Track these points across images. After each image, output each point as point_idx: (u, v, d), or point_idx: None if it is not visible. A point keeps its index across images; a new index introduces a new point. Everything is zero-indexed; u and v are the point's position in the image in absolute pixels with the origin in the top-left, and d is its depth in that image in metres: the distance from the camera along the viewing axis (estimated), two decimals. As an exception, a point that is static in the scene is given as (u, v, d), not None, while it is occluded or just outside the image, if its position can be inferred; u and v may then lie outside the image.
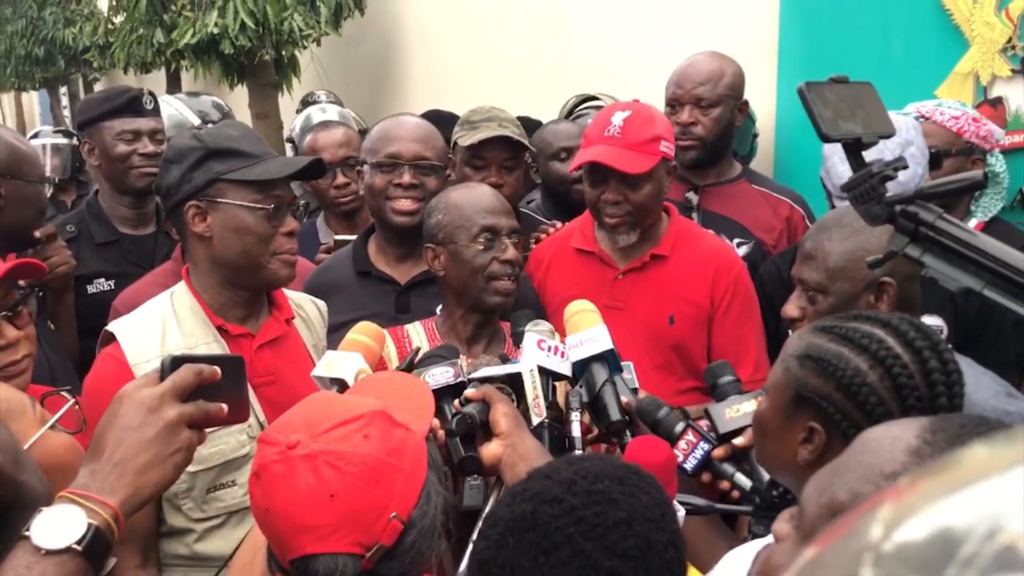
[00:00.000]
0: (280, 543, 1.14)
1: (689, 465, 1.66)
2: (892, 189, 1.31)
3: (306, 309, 2.12)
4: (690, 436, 1.68)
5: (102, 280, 2.96)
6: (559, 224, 2.70)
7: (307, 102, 5.10)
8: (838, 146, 1.87)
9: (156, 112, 3.11)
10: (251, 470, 1.18)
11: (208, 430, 1.25)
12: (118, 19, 8.06)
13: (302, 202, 3.39)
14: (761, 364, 2.28)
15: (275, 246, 1.89)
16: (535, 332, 1.80)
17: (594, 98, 3.75)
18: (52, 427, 1.32)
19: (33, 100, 17.84)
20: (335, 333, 2.03)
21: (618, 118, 2.28)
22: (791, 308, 1.86)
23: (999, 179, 2.61)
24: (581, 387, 1.72)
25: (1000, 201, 2.62)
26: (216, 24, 6.61)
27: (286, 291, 2.07)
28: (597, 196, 2.30)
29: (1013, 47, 2.88)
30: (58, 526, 1.03)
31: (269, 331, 1.97)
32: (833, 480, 0.93)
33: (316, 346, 2.06)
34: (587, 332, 1.74)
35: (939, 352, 1.31)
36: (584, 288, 2.20)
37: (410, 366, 1.75)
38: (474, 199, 2.10)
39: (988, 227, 2.52)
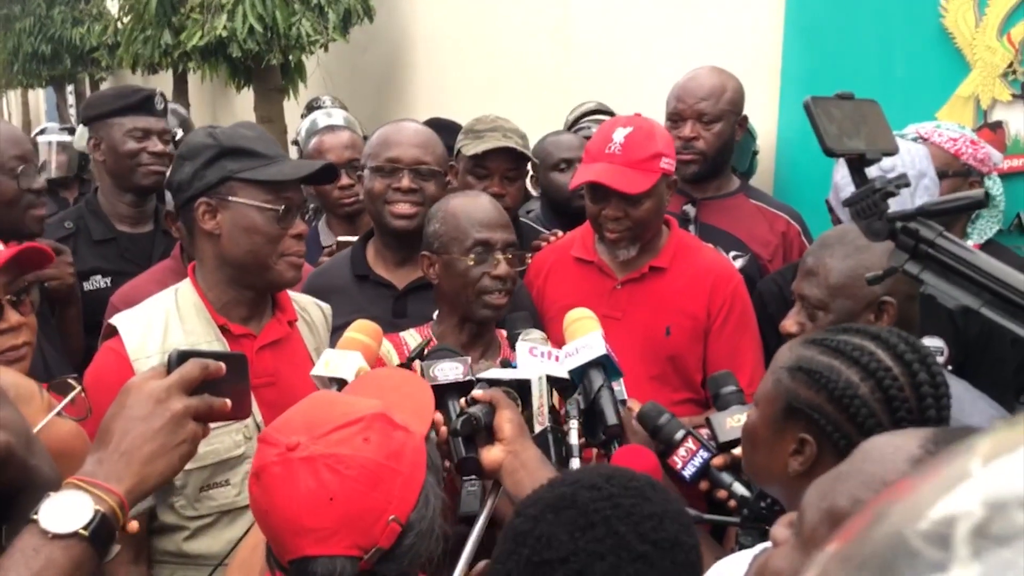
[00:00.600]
0: (279, 544, 1.16)
1: (688, 472, 1.67)
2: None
3: (310, 312, 2.12)
4: (690, 444, 1.69)
5: (99, 277, 2.97)
6: (559, 233, 2.72)
7: (312, 107, 5.12)
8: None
9: (165, 113, 3.14)
10: (251, 469, 1.19)
11: (211, 425, 1.27)
12: (127, 19, 8.08)
13: (311, 206, 3.41)
14: (756, 377, 2.28)
15: (283, 247, 1.89)
16: (527, 341, 1.81)
17: (597, 111, 3.78)
18: (58, 414, 1.33)
19: (39, 98, 17.89)
20: (332, 336, 2.04)
21: (619, 135, 2.30)
22: (790, 323, 1.87)
23: (995, 202, 2.63)
24: (579, 395, 1.73)
25: (996, 224, 2.64)
26: (225, 27, 6.65)
27: (291, 293, 2.08)
28: (598, 211, 2.32)
29: (1014, 72, 2.90)
30: (65, 511, 1.05)
31: (271, 332, 1.98)
32: (835, 486, 0.94)
33: (318, 349, 2.06)
34: (583, 339, 1.75)
35: (928, 365, 1.33)
36: (582, 297, 2.22)
37: (420, 355, 1.76)
38: (471, 211, 2.11)
39: (983, 249, 2.52)
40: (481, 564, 1.35)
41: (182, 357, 1.21)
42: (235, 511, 1.87)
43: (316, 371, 1.71)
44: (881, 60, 3.29)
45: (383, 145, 2.43)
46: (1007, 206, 2.69)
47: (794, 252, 2.85)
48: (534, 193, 3.29)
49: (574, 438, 1.66)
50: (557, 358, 1.76)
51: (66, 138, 5.15)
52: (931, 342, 2.24)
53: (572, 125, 3.77)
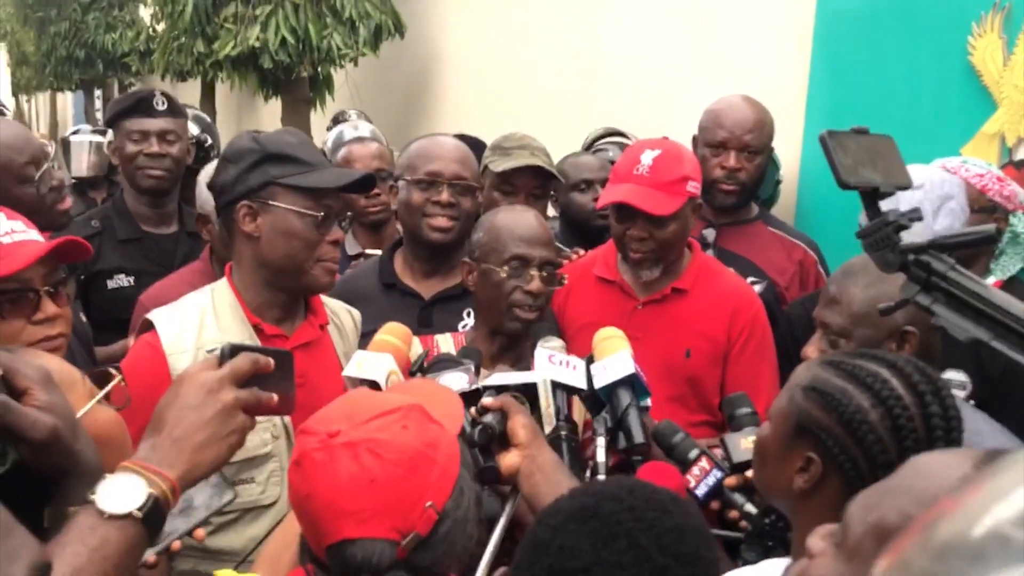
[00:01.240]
0: (318, 529, 1.18)
1: (700, 492, 1.68)
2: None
3: (341, 317, 2.16)
4: (703, 463, 1.70)
5: (122, 276, 3.02)
6: (581, 251, 2.74)
7: (338, 120, 5.19)
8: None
9: (171, 113, 3.14)
10: (292, 458, 1.22)
11: (258, 418, 1.30)
12: (160, 26, 8.22)
13: (348, 214, 3.45)
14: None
15: (319, 253, 1.93)
16: (546, 348, 1.83)
17: (617, 133, 3.80)
18: (99, 402, 1.36)
19: (67, 101, 18.13)
20: (361, 342, 2.07)
21: (647, 157, 2.31)
22: (811, 350, 1.88)
23: (1020, 239, 2.63)
24: (606, 413, 1.74)
25: (1020, 261, 2.64)
26: (258, 38, 6.75)
27: (323, 298, 2.12)
28: (623, 232, 2.34)
29: (1040, 111, 2.92)
30: (120, 493, 1.09)
31: (303, 335, 2.02)
32: (882, 500, 0.95)
33: (347, 354, 2.08)
34: (611, 357, 1.77)
35: (941, 397, 1.33)
36: (603, 316, 2.23)
37: (420, 369, 1.78)
38: (513, 225, 2.13)
39: (1006, 286, 2.54)
40: (500, 571, 1.36)
41: (234, 351, 1.25)
42: (258, 509, 1.90)
43: (348, 371, 1.74)
44: (908, 95, 3.31)
45: (423, 158, 2.46)
46: (1031, 244, 2.69)
47: (810, 280, 2.87)
48: (553, 212, 3.32)
49: (601, 455, 1.66)
50: (575, 367, 1.78)
51: (99, 139, 5.23)
52: (954, 375, 2.25)
53: (590, 146, 3.80)
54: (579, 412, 1.91)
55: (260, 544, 1.80)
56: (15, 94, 18.65)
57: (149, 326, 1.95)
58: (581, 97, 5.22)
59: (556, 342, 1.92)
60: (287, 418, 1.91)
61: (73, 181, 4.96)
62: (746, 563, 1.55)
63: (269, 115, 8.52)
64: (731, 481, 1.69)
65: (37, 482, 1.22)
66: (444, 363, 1.78)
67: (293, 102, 7.63)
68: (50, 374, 1.22)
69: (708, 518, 1.68)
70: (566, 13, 5.41)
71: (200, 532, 1.40)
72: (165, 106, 3.12)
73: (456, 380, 1.70)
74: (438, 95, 6.93)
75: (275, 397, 1.27)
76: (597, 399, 1.78)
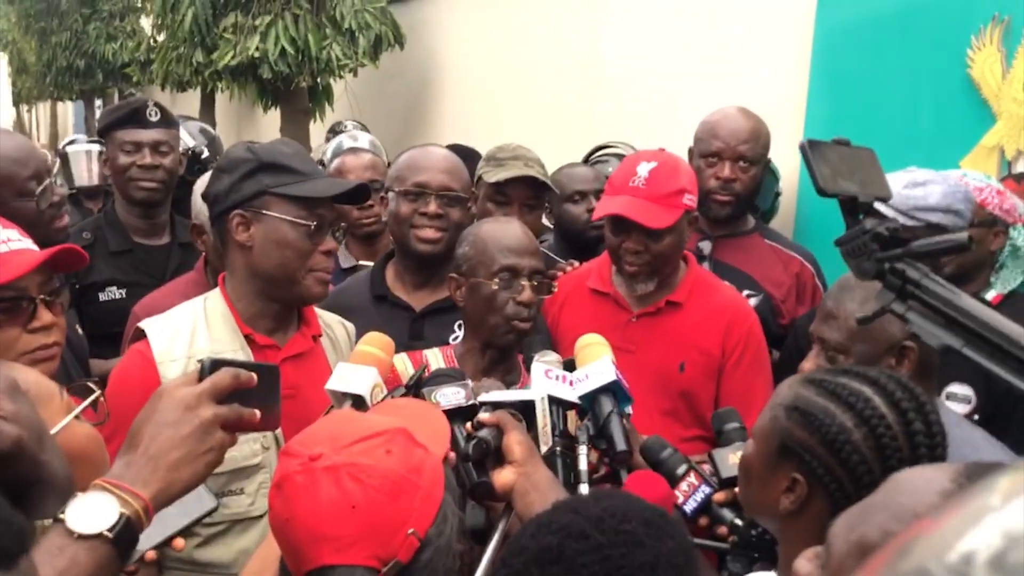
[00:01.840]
0: (298, 554, 1.15)
1: (689, 508, 1.66)
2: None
3: (335, 330, 2.15)
4: (692, 479, 1.68)
5: (114, 288, 2.99)
6: (575, 263, 2.72)
7: (335, 131, 5.18)
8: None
9: (164, 124, 3.11)
10: (273, 481, 1.19)
11: (240, 435, 1.28)
12: (161, 37, 8.23)
13: (343, 225, 3.43)
14: (768, 419, 2.27)
15: (312, 263, 1.93)
16: (543, 362, 1.81)
17: (611, 145, 3.79)
18: (76, 417, 1.34)
19: (68, 111, 18.19)
20: None
21: (643, 169, 2.30)
22: (809, 365, 1.85)
23: (1020, 253, 2.61)
24: (588, 421, 1.72)
25: (1021, 275, 2.61)
26: (257, 48, 6.75)
27: (317, 310, 2.10)
28: (618, 244, 2.32)
29: (1040, 124, 2.90)
30: (91, 512, 1.07)
31: (295, 346, 2.01)
32: (863, 519, 0.94)
33: None
34: (593, 365, 1.75)
35: (924, 413, 1.32)
36: (597, 328, 2.18)
37: (418, 382, 1.76)
38: (500, 236, 2.11)
39: (1006, 299, 2.51)
40: None
41: (215, 365, 1.22)
42: (247, 520, 1.88)
43: (331, 385, 1.71)
44: (906, 108, 3.29)
45: (411, 169, 2.44)
46: (1032, 257, 2.67)
47: (807, 293, 2.85)
48: (548, 224, 3.30)
49: (583, 464, 1.64)
50: (571, 382, 1.75)
51: (98, 147, 5.21)
52: (959, 389, 2.23)
53: (587, 158, 3.78)
54: (573, 422, 1.89)
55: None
56: (16, 104, 18.70)
57: (141, 335, 1.94)
58: (581, 107, 5.21)
59: (552, 356, 1.90)
60: (279, 429, 1.87)
61: (71, 192, 4.94)
62: (732, 575, 1.55)
63: (268, 126, 8.52)
64: (720, 496, 1.67)
65: (3, 493, 1.20)
66: (441, 377, 1.76)
67: (292, 112, 7.64)
68: (16, 384, 1.20)
69: (696, 533, 1.66)
70: (566, 23, 5.41)
71: (179, 542, 1.36)
72: (158, 117, 3.10)
73: (453, 395, 1.68)
74: (438, 105, 6.92)
75: (258, 413, 1.24)
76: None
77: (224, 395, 1.21)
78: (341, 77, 7.27)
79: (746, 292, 2.72)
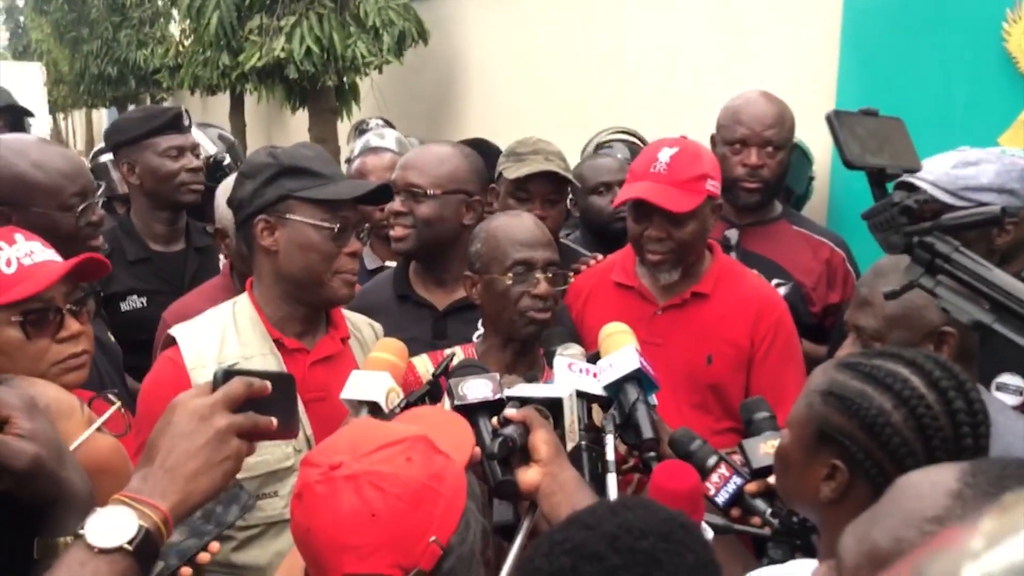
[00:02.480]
0: (319, 563, 1.15)
1: (721, 499, 1.64)
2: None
3: (362, 331, 2.16)
4: (723, 470, 1.65)
5: (135, 297, 3.01)
6: (599, 256, 2.68)
7: (360, 129, 5.17)
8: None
9: (190, 128, 3.20)
10: (293, 491, 1.20)
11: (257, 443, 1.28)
12: (188, 42, 8.31)
13: (367, 226, 3.43)
14: (801, 410, 2.22)
15: (337, 265, 1.93)
16: (566, 356, 1.79)
17: (624, 132, 3.72)
18: (98, 429, 1.35)
19: (103, 118, 18.48)
20: None
21: (665, 154, 2.26)
22: (845, 354, 1.81)
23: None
24: (615, 410, 1.69)
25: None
26: (283, 49, 6.77)
27: (345, 312, 2.11)
28: (640, 232, 2.28)
29: (1080, 97, 2.80)
30: (111, 526, 1.08)
31: (324, 348, 2.01)
32: (872, 528, 0.91)
33: None
34: (616, 354, 1.73)
35: (965, 392, 1.28)
36: (622, 322, 2.17)
37: (445, 371, 1.74)
38: (511, 231, 2.09)
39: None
40: None
41: (228, 375, 1.23)
42: (282, 523, 1.88)
43: (345, 394, 1.70)
44: (941, 84, 3.20)
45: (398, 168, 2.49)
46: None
47: (838, 279, 2.78)
48: (576, 214, 3.25)
49: (611, 453, 1.62)
50: (596, 375, 1.73)
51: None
52: (1010, 379, 2.16)
53: (599, 146, 3.71)
54: (597, 414, 1.86)
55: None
56: (52, 112, 19.04)
57: (171, 341, 1.96)
58: (606, 101, 5.15)
59: (575, 349, 1.87)
60: (311, 431, 1.91)
61: (105, 199, 4.98)
62: (772, 562, 1.52)
63: (297, 127, 8.57)
64: (752, 487, 1.64)
65: (25, 511, 1.20)
66: (469, 369, 1.74)
67: (320, 112, 7.67)
68: (34, 401, 1.21)
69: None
70: (591, 17, 5.36)
71: (215, 546, 1.38)
72: (188, 122, 3.17)
73: (480, 388, 1.66)
74: (464, 100, 6.90)
75: (274, 421, 1.24)
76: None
77: (238, 404, 1.21)
78: (367, 75, 7.28)
79: (775, 281, 2.66)
